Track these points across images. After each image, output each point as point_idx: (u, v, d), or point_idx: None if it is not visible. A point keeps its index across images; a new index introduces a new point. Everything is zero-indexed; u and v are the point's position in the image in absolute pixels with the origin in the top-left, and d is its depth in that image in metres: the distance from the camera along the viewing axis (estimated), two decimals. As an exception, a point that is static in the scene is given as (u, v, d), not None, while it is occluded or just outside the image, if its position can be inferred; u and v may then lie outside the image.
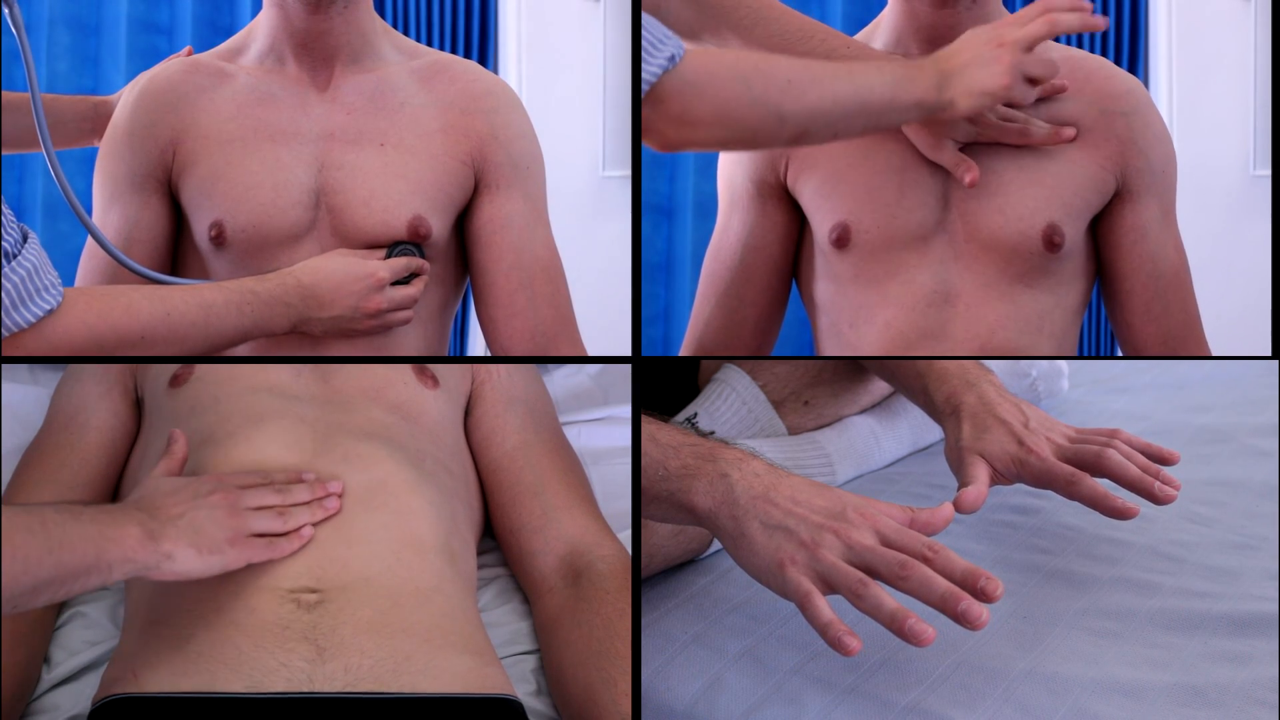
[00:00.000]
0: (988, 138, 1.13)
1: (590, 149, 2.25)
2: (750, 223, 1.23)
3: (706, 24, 1.16)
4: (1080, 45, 2.21)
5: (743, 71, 1.02)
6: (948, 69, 1.07)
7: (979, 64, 1.07)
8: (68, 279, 1.05)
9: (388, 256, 1.16)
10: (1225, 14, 2.23)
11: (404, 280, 1.17)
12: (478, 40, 2.22)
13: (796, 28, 1.15)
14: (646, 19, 1.01)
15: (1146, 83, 2.24)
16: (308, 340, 1.16)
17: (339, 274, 1.13)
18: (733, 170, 1.24)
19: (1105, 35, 2.23)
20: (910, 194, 1.15)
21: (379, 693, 0.92)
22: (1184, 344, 1.19)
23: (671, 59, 1.00)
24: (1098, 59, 1.20)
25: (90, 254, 1.19)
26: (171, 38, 2.10)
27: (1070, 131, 1.13)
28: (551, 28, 2.25)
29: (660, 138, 1.02)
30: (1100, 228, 1.18)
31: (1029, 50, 1.08)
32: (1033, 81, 1.09)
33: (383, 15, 2.14)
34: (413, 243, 1.17)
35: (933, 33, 1.16)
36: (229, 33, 1.29)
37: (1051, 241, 1.13)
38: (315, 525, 1.02)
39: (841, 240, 1.17)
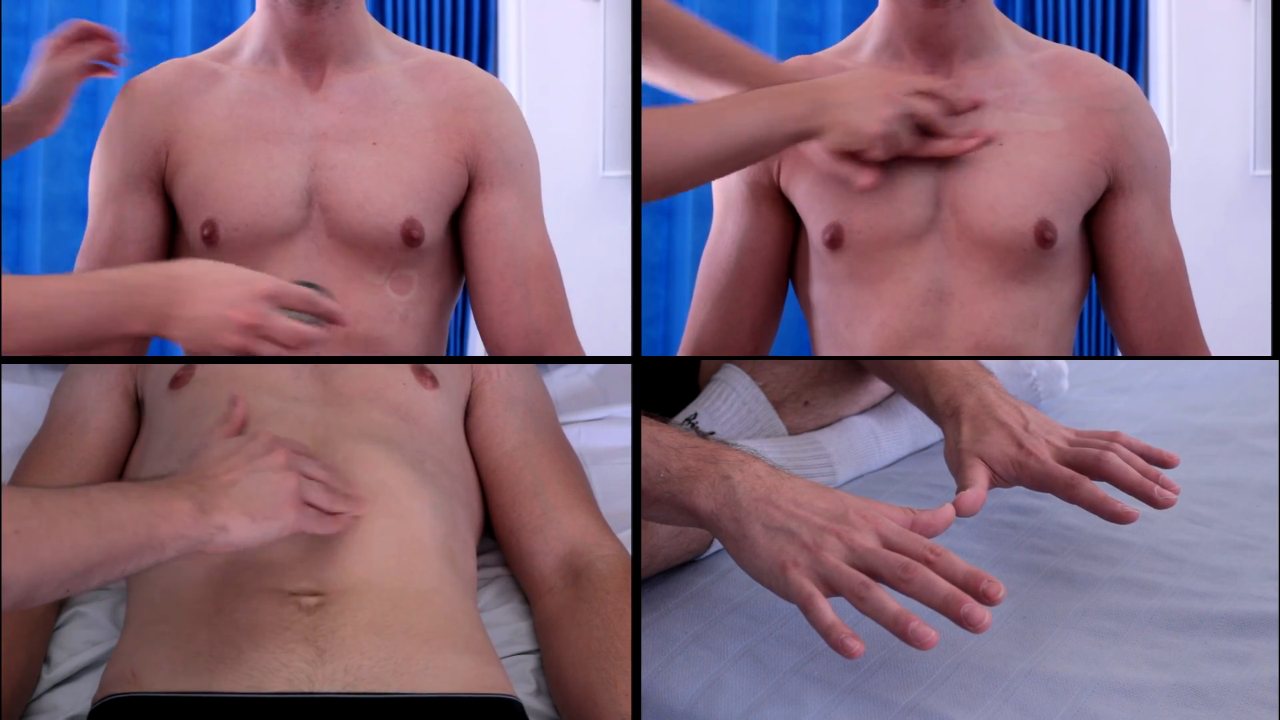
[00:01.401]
0: (869, 155, 1.14)
1: (590, 149, 2.25)
2: (745, 224, 1.23)
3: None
4: (1079, 44, 2.22)
5: None
6: (826, 99, 1.11)
7: (858, 106, 1.10)
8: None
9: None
10: (1225, 14, 2.24)
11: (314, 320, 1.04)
12: (477, 40, 2.22)
13: (715, 47, 1.18)
14: None
15: (1146, 82, 2.25)
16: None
17: (219, 273, 1.02)
18: None
19: (1105, 35, 2.23)
20: (902, 193, 1.15)
21: (379, 693, 0.92)
22: (1180, 340, 1.19)
23: None
24: (1089, 56, 1.20)
25: (85, 254, 1.20)
26: (171, 38, 2.10)
27: (970, 143, 1.14)
28: (551, 28, 2.25)
29: None
30: (1094, 224, 1.18)
31: (907, 115, 1.11)
32: (896, 142, 1.12)
33: (382, 15, 2.15)
34: (323, 289, 1.05)
35: (923, 31, 1.16)
36: (228, 33, 1.29)
37: (1044, 237, 1.13)
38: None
39: (835, 240, 1.17)
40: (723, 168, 1.12)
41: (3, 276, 0.98)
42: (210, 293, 0.99)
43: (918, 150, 1.14)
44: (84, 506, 0.81)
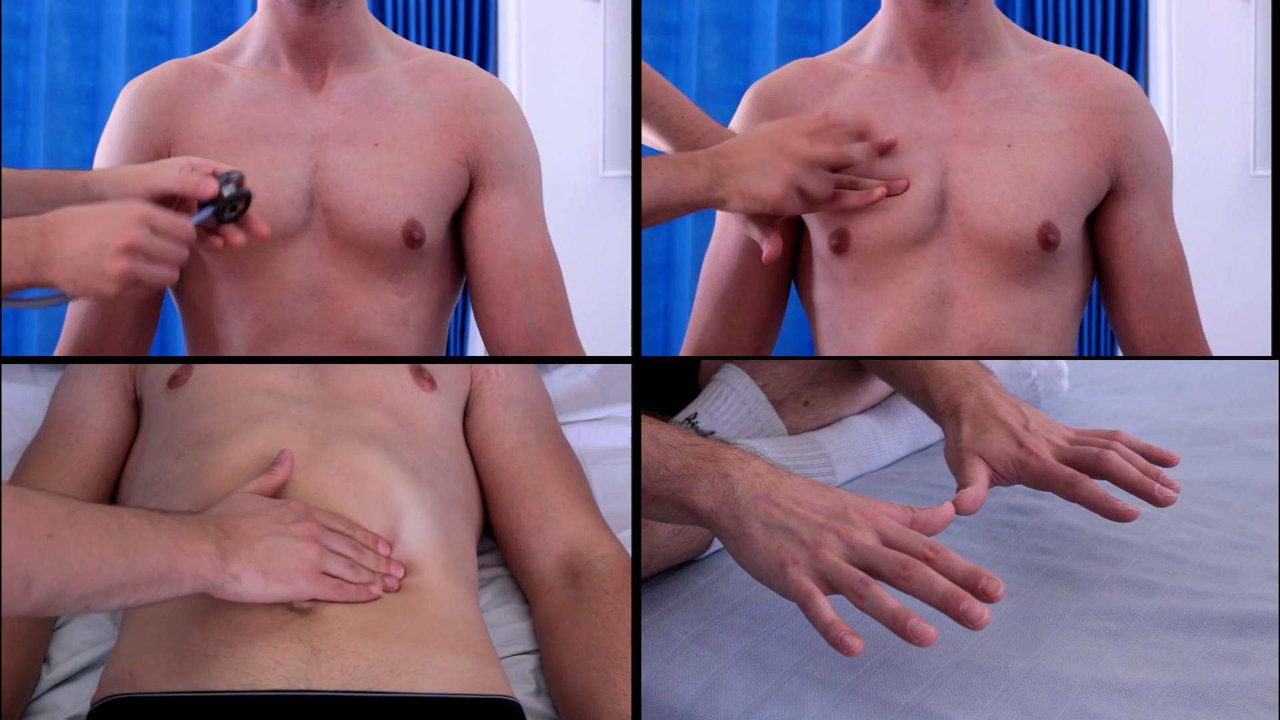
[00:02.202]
0: (781, 215, 1.14)
1: (590, 149, 2.25)
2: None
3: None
4: (1079, 44, 2.22)
5: None
6: (724, 167, 1.11)
7: (757, 170, 1.10)
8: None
9: (217, 203, 1.05)
10: (1225, 14, 2.23)
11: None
12: (478, 40, 2.22)
13: (646, 94, 1.18)
14: None
15: (1146, 82, 2.24)
16: (306, 340, 1.16)
17: (90, 208, 0.99)
18: None
19: (1105, 35, 2.23)
20: (909, 198, 1.15)
21: (377, 692, 0.91)
22: (1182, 341, 1.19)
23: None
24: (1090, 58, 1.20)
25: None
26: (171, 38, 2.10)
27: (879, 192, 1.14)
28: (551, 28, 2.25)
29: None
30: (1096, 225, 1.18)
31: (809, 167, 1.11)
32: (806, 195, 1.11)
33: (382, 15, 2.15)
34: (240, 192, 1.05)
35: (926, 34, 1.16)
36: (228, 33, 1.29)
37: (1047, 240, 1.13)
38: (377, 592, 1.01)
39: (840, 245, 1.17)
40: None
41: None
42: (81, 228, 0.97)
43: (831, 204, 1.14)
44: (115, 526, 0.83)
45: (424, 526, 1.09)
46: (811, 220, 1.20)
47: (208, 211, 1.05)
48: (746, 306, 1.24)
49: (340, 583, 0.97)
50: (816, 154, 1.12)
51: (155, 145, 1.18)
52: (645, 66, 1.19)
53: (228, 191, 1.06)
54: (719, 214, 1.26)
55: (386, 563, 1.04)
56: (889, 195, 1.14)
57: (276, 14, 1.17)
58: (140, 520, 0.86)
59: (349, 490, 1.08)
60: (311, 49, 1.18)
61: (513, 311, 1.20)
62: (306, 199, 1.16)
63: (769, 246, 1.16)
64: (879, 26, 1.20)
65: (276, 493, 1.04)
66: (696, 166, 1.11)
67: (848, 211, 1.15)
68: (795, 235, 1.23)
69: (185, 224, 1.02)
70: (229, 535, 0.92)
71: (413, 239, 1.16)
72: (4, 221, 0.97)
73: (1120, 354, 1.25)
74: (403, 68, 1.21)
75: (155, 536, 0.86)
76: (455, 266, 1.24)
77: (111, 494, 1.22)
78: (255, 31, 1.20)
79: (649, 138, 1.21)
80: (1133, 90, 1.18)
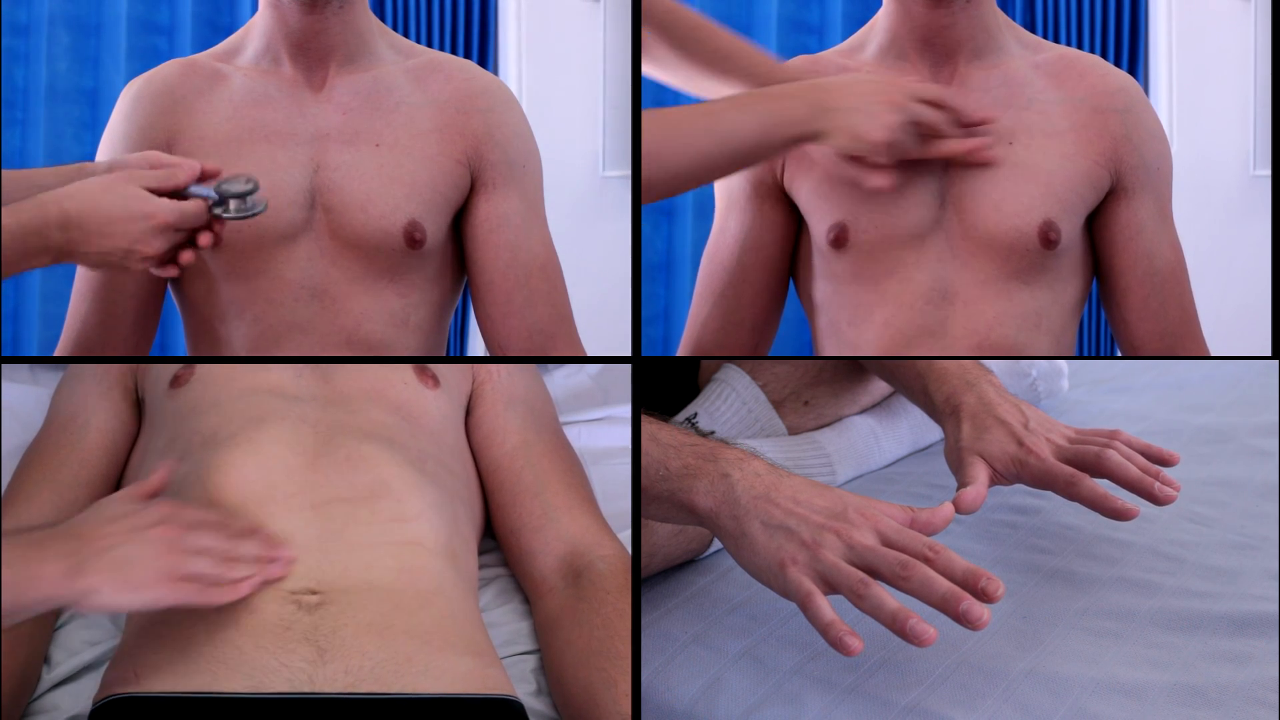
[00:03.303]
0: (871, 158, 1.13)
1: (590, 149, 2.25)
2: (747, 223, 1.23)
3: (644, 39, 1.18)
4: (1079, 43, 2.22)
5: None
6: (828, 103, 1.09)
7: (863, 111, 1.09)
8: (66, 280, 1.05)
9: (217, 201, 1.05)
10: (1225, 14, 2.23)
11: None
12: (478, 40, 2.22)
13: (724, 48, 1.17)
14: None
15: (1146, 82, 2.24)
16: (307, 341, 1.16)
17: (113, 209, 0.99)
18: None
19: (1105, 35, 2.23)
20: (907, 193, 1.15)
21: (380, 693, 0.92)
22: (1181, 341, 1.19)
23: None
24: (1091, 57, 1.20)
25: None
26: (171, 38, 2.10)
27: (975, 143, 1.13)
28: (551, 28, 2.25)
29: None
30: (1096, 225, 1.18)
31: (912, 122, 1.10)
32: (903, 151, 1.11)
33: (382, 15, 2.15)
34: (246, 187, 1.05)
35: (927, 32, 1.16)
36: (229, 32, 1.28)
37: (1047, 238, 1.13)
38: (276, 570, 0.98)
39: (839, 240, 1.17)
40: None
41: None
42: (111, 229, 0.98)
43: (924, 153, 1.13)
44: None
45: (430, 517, 1.09)
46: (810, 214, 1.20)
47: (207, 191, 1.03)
48: (745, 303, 1.24)
49: (202, 585, 0.92)
50: (923, 115, 1.11)
51: (156, 145, 1.18)
52: (708, 22, 1.18)
53: (234, 187, 1.04)
54: (718, 209, 1.26)
55: (269, 545, 0.98)
56: (979, 161, 1.13)
57: (278, 14, 1.17)
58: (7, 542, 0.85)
59: (354, 483, 1.08)
60: (313, 49, 1.18)
61: (514, 312, 1.20)
62: (307, 199, 1.16)
63: (876, 179, 1.13)
64: (880, 24, 1.20)
65: (151, 497, 0.99)
66: (796, 99, 1.09)
67: (944, 157, 1.13)
68: (794, 230, 1.23)
69: (200, 214, 1.02)
70: (78, 549, 0.88)
71: (414, 240, 1.16)
72: (18, 214, 0.96)
73: (1120, 354, 1.25)
74: (404, 68, 1.21)
75: (7, 571, 0.84)
76: (456, 267, 1.24)
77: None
78: (256, 31, 1.20)
79: (690, 77, 1.18)
80: (1133, 90, 1.19)
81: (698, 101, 1.16)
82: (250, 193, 1.04)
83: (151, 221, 0.99)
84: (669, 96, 1.20)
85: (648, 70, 1.21)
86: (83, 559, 0.88)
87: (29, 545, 0.87)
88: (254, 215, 1.04)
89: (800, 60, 1.23)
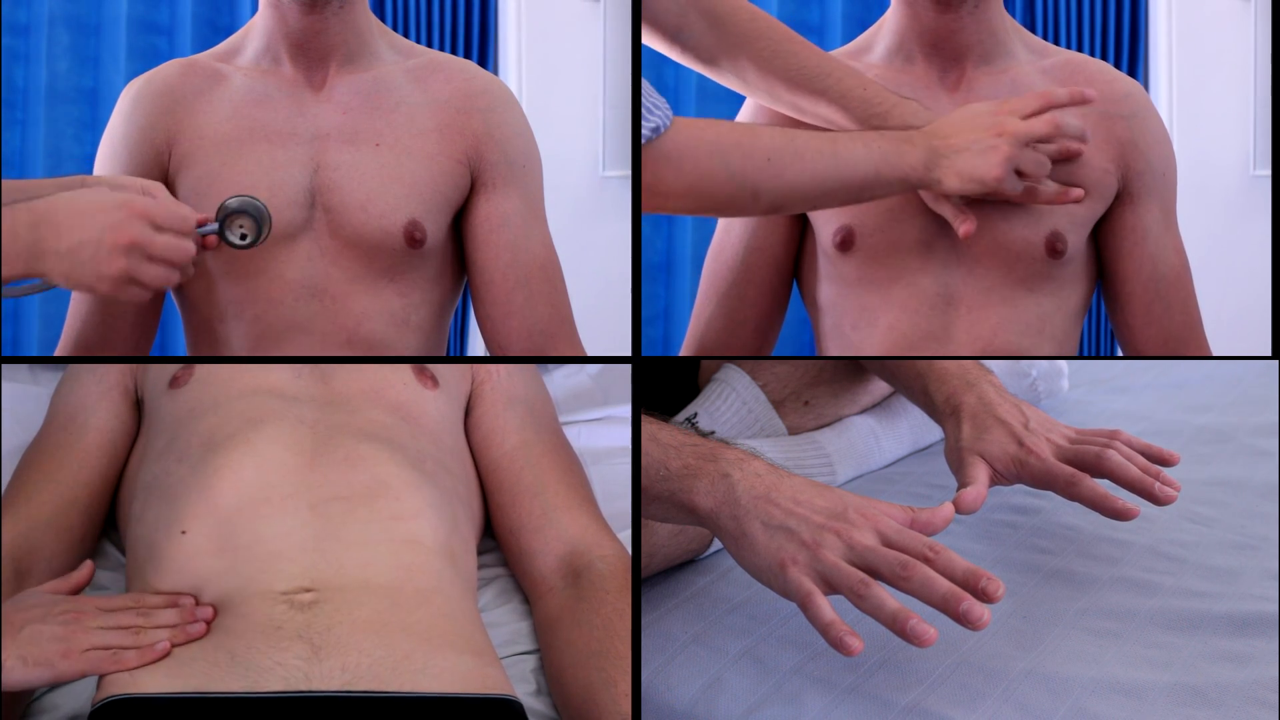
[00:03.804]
0: (999, 196, 1.12)
1: (590, 149, 2.25)
2: (752, 224, 1.23)
3: (726, 51, 1.16)
4: (1079, 44, 2.22)
5: (723, 147, 1.04)
6: (941, 147, 1.08)
7: (975, 151, 1.08)
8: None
9: (219, 218, 1.08)
10: (1225, 14, 2.23)
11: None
12: (478, 40, 2.22)
13: (815, 65, 1.15)
14: (645, 85, 1.01)
15: (1146, 83, 2.24)
16: (307, 340, 1.16)
17: (84, 200, 0.97)
18: None
19: (1105, 35, 2.23)
20: (914, 199, 1.15)
21: (378, 692, 0.91)
22: (1185, 346, 1.19)
23: (656, 130, 1.01)
24: (1098, 63, 1.20)
25: None
26: (171, 38, 2.10)
27: (1078, 192, 1.12)
28: (551, 28, 2.25)
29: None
30: (1101, 230, 1.18)
31: (1027, 145, 1.09)
32: (1022, 174, 1.09)
33: (382, 15, 2.15)
34: (252, 205, 1.08)
35: (934, 37, 1.16)
36: (229, 32, 1.29)
37: (1054, 249, 1.14)
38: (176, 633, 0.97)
39: (845, 243, 1.17)
40: (832, 197, 1.09)
41: None
42: (81, 220, 0.95)
43: (1024, 197, 1.11)
44: None
45: (429, 516, 1.09)
46: (816, 216, 1.20)
47: (213, 227, 1.07)
48: (749, 303, 1.24)
49: (113, 652, 0.94)
50: (1033, 130, 1.09)
51: (156, 145, 1.18)
52: (798, 37, 1.16)
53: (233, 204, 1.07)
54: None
55: (191, 612, 0.98)
56: (1070, 200, 1.12)
57: (278, 14, 1.17)
58: None
59: (353, 482, 1.08)
60: (313, 49, 1.18)
61: (514, 312, 1.20)
62: (307, 199, 1.16)
63: (965, 224, 1.11)
64: (887, 26, 1.20)
65: (74, 592, 1.02)
66: (914, 145, 1.08)
67: (1040, 203, 1.12)
68: (799, 231, 1.23)
69: (188, 218, 1.01)
70: None
71: (414, 239, 1.16)
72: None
73: (1120, 354, 1.25)
74: (404, 68, 1.21)
75: None
76: (456, 267, 1.24)
77: (112, 494, 1.22)
78: (256, 31, 1.20)
79: (813, 111, 1.16)
80: (1140, 96, 1.18)
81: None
82: (250, 213, 1.07)
83: (126, 209, 0.96)
84: (669, 97, 1.20)
85: (724, 79, 1.18)
86: None
87: None
88: (260, 242, 1.08)
89: None
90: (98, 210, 0.95)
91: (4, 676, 0.90)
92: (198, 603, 1.00)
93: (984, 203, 1.13)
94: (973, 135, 1.08)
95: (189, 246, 1.00)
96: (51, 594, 1.00)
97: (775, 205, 1.08)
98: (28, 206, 0.94)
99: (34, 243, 0.94)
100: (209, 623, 0.98)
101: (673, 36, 1.15)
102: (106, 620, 0.97)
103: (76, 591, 1.03)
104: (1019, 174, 1.09)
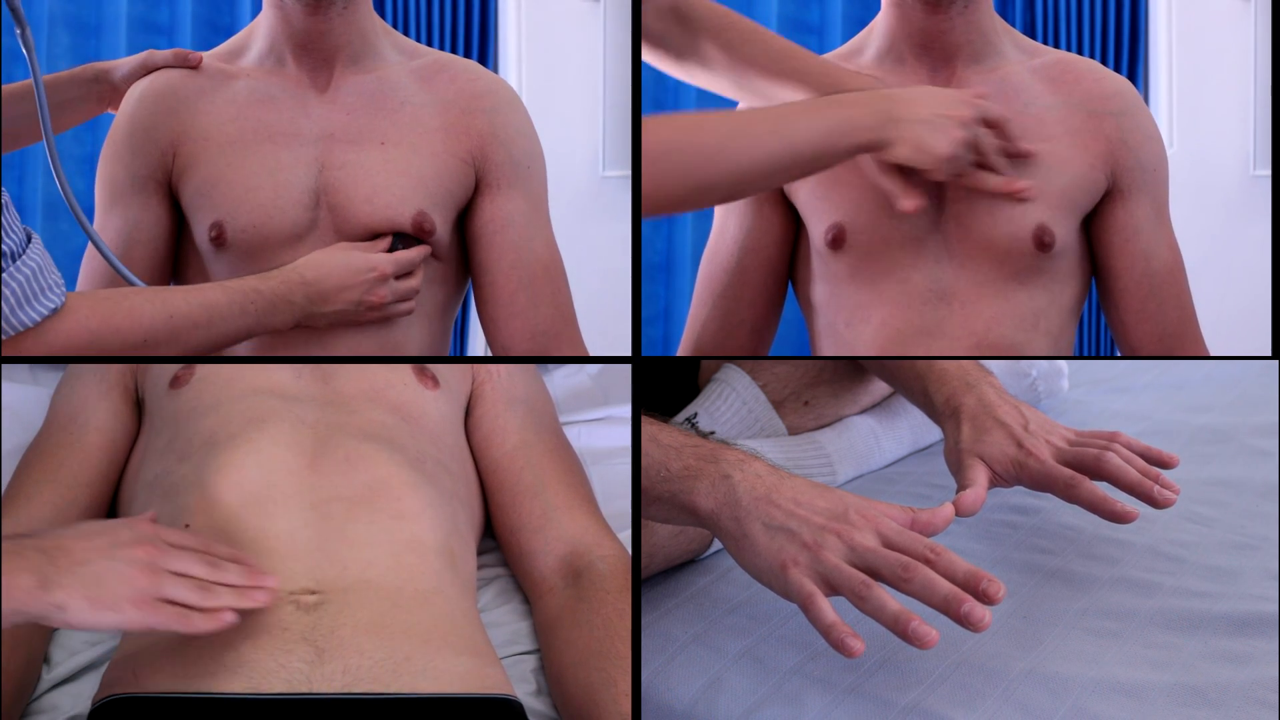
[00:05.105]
0: (936, 177, 1.12)
1: (590, 149, 2.25)
2: (747, 225, 1.23)
3: (694, 43, 1.17)
4: (1079, 45, 2.22)
5: (671, 149, 1.03)
6: (896, 112, 1.08)
7: (931, 124, 1.08)
8: (69, 279, 1.05)
9: (391, 249, 1.16)
10: (1225, 14, 2.24)
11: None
12: (478, 40, 2.22)
13: (779, 49, 1.17)
14: (47, 258, 1.01)
15: (1146, 83, 2.25)
16: (307, 339, 1.16)
17: (342, 269, 1.13)
18: None
19: (1105, 36, 2.23)
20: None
21: (378, 693, 0.92)
22: (1180, 342, 1.19)
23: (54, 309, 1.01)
24: (1087, 61, 1.21)
25: (91, 255, 1.19)
26: (172, 38, 2.10)
27: (1024, 184, 1.12)
28: (551, 28, 2.25)
29: None
30: (1093, 227, 1.19)
31: (974, 142, 1.09)
32: (960, 169, 1.10)
33: (382, 15, 2.14)
34: (413, 236, 1.17)
35: (925, 37, 1.16)
36: (229, 33, 1.29)
37: (1042, 242, 1.14)
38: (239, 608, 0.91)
39: (836, 241, 1.17)
40: (783, 173, 1.09)
41: (167, 287, 1.10)
42: (341, 292, 1.13)
43: (968, 180, 1.12)
44: None
45: (429, 517, 1.09)
46: (809, 215, 1.20)
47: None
48: (744, 304, 1.24)
49: (181, 610, 0.87)
50: (983, 138, 1.10)
51: (160, 146, 1.18)
52: (763, 28, 1.17)
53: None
54: (717, 211, 1.26)
55: (252, 574, 0.93)
56: (1017, 197, 1.12)
57: (282, 14, 1.17)
58: None
59: (353, 483, 1.08)
60: (317, 49, 1.18)
61: (518, 313, 1.20)
62: (313, 199, 1.16)
63: (911, 200, 1.11)
64: (878, 28, 1.20)
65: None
66: (864, 106, 1.08)
67: (986, 190, 1.12)
68: (793, 232, 1.23)
69: (413, 283, 1.18)
70: (53, 561, 0.84)
71: (423, 230, 1.16)
72: (268, 281, 1.11)
73: (1120, 354, 1.25)
74: (408, 68, 1.21)
75: None
76: (460, 268, 1.24)
77: (113, 494, 1.22)
78: (260, 32, 1.20)
79: (780, 96, 1.16)
80: (1129, 93, 1.19)
81: (712, 109, 1.15)
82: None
83: (375, 274, 1.14)
84: (669, 98, 1.20)
85: (693, 75, 1.19)
86: (55, 571, 0.83)
87: (7, 554, 0.84)
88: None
89: None
90: (354, 276, 1.15)
91: (70, 618, 0.82)
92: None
93: (970, 197, 1.13)
94: (933, 109, 1.09)
95: (414, 284, 1.19)
96: (103, 521, 0.92)
97: (729, 192, 1.09)
98: (300, 276, 1.14)
99: (305, 306, 1.14)
100: (270, 591, 0.93)
101: (656, 41, 1.17)
102: (176, 564, 0.90)
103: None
104: (955, 168, 1.09)
